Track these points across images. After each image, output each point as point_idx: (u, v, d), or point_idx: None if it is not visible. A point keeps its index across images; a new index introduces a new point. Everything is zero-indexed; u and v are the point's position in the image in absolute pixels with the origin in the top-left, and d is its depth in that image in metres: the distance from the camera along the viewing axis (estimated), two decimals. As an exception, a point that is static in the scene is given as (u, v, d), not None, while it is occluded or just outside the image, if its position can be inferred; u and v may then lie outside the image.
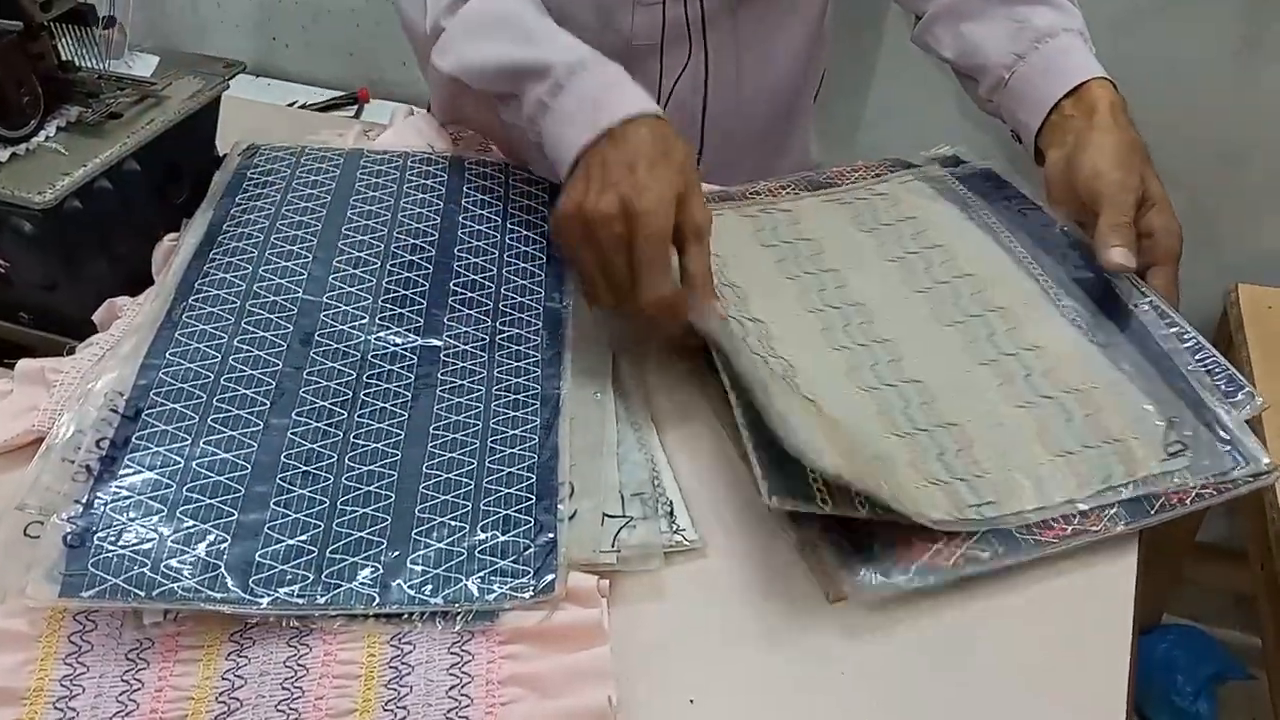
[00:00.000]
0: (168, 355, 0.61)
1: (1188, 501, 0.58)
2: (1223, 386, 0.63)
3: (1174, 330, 0.67)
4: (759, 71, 0.99)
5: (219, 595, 0.50)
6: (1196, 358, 0.65)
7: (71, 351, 0.65)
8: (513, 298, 0.69)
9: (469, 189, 0.77)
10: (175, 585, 0.50)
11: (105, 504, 0.53)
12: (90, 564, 0.50)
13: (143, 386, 0.59)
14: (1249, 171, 1.38)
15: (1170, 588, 1.62)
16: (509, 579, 0.53)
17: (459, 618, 0.51)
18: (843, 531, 0.57)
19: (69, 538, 0.51)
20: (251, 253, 0.69)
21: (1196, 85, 1.34)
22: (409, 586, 0.52)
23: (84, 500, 0.52)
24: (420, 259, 0.70)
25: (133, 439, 0.56)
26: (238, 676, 0.50)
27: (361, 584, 0.52)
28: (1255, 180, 1.39)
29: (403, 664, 0.50)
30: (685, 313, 0.63)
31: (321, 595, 0.51)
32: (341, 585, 0.52)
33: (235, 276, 0.67)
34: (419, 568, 0.53)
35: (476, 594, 0.52)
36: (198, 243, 0.69)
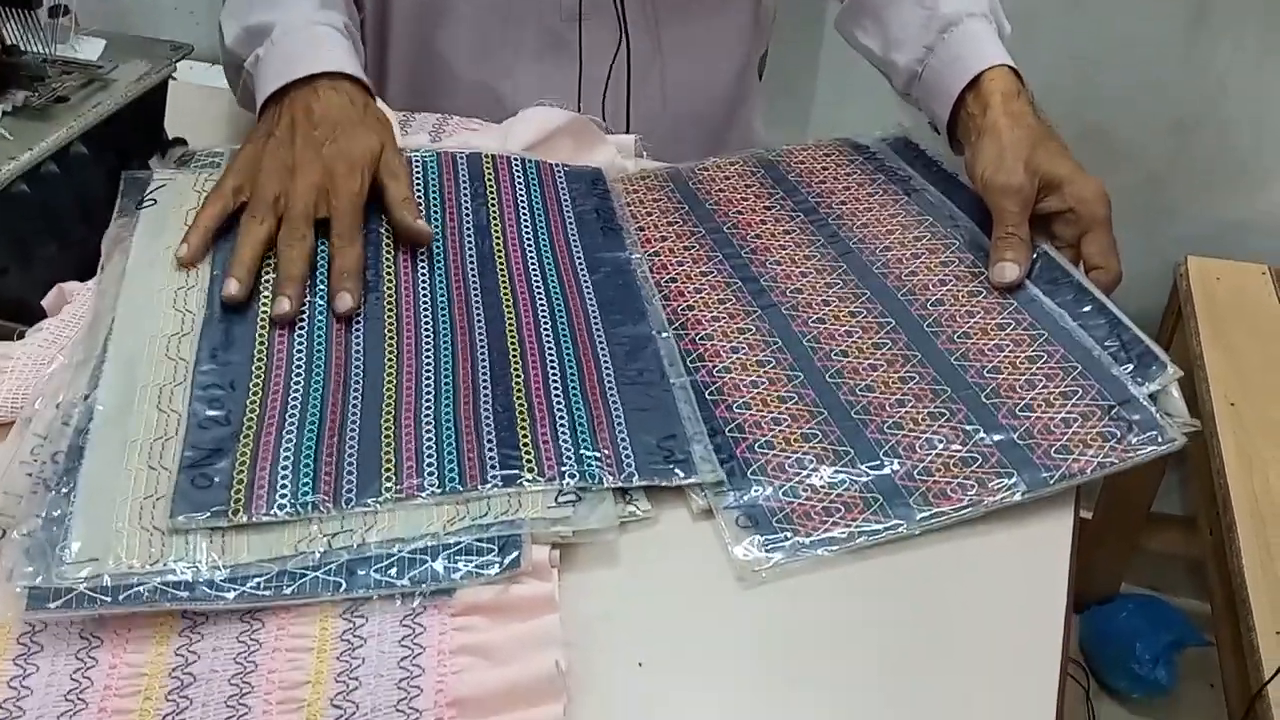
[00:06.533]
0: None
1: (1089, 471, 0.59)
2: (1137, 362, 0.64)
3: (1091, 307, 0.68)
4: (683, 51, 0.99)
5: (184, 594, 0.51)
6: (1114, 332, 0.66)
7: (21, 336, 0.65)
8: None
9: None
10: (141, 587, 0.50)
11: (64, 516, 0.53)
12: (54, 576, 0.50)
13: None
14: (1200, 144, 1.41)
15: (1128, 558, 1.65)
16: (474, 557, 0.53)
17: (418, 596, 0.52)
18: (741, 505, 0.58)
19: (31, 551, 0.51)
20: None
21: (1148, 59, 1.36)
22: (375, 571, 0.52)
23: (42, 515, 0.53)
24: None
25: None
26: (191, 653, 0.50)
27: (327, 572, 0.52)
28: (1206, 153, 1.41)
29: (355, 636, 0.51)
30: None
31: (287, 586, 0.52)
32: (307, 574, 0.52)
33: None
34: (384, 550, 0.53)
35: (443, 574, 0.52)
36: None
